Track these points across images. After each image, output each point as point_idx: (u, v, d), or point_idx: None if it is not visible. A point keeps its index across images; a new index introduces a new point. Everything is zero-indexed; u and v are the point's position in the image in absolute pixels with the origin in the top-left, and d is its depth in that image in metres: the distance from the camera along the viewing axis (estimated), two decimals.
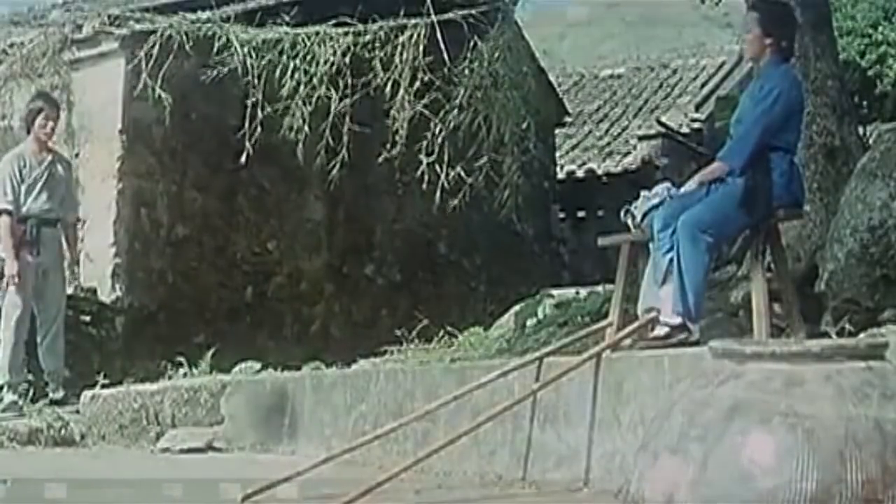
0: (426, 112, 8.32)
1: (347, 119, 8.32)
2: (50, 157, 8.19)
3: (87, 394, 7.87)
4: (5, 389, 7.85)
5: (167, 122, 9.91)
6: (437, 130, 8.24)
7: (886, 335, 5.07)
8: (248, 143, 8.48)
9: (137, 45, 9.53)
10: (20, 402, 7.77)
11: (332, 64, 8.33)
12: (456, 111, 8.33)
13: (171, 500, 5.17)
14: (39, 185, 8.02)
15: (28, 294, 7.94)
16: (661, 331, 5.37)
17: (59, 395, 7.98)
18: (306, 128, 8.39)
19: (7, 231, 7.91)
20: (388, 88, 8.31)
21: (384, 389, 6.48)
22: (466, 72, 8.43)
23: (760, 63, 5.53)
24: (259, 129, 8.53)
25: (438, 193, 8.46)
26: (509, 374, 5.59)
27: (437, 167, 8.27)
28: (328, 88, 8.30)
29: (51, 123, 8.18)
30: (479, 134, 8.66)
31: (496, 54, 8.54)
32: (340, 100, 8.29)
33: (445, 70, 8.37)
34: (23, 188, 7.99)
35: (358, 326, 11.38)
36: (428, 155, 8.24)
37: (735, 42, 17.62)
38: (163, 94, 9.31)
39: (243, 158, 8.62)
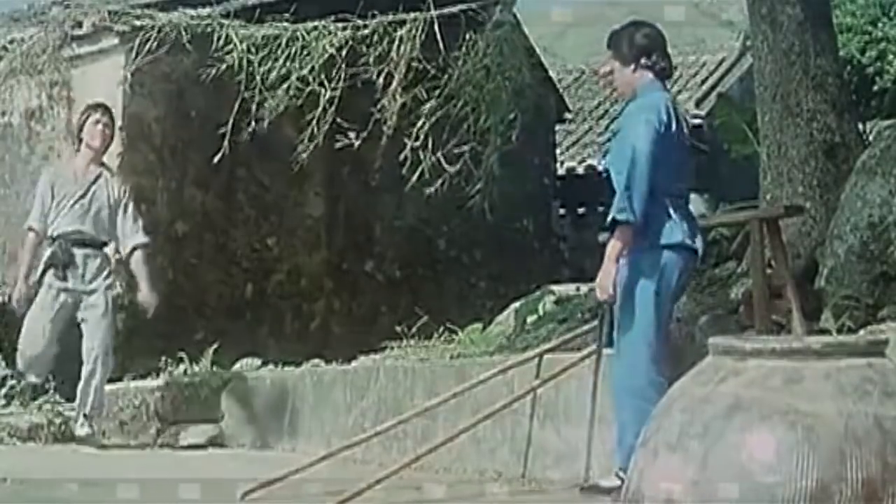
0: (418, 105, 8.30)
1: (338, 113, 8.29)
2: (97, 173, 7.27)
3: None
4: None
5: (167, 119, 9.89)
6: (429, 122, 8.22)
7: (886, 332, 5.07)
8: (242, 137, 8.44)
9: (137, 42, 9.52)
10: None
11: (330, 56, 8.31)
12: (451, 104, 8.31)
13: (171, 497, 5.17)
14: (72, 202, 7.15)
15: (46, 323, 7.04)
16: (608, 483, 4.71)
17: (83, 431, 7.08)
18: (302, 123, 8.38)
19: (29, 249, 7.22)
20: (384, 83, 8.29)
21: (384, 386, 6.48)
22: (460, 64, 8.41)
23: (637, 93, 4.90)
24: (256, 124, 8.52)
25: (438, 187, 8.43)
26: (509, 370, 5.59)
27: (437, 161, 8.25)
28: (322, 83, 8.27)
29: (99, 127, 7.27)
30: (477, 128, 8.65)
31: (492, 47, 8.52)
32: (332, 91, 8.26)
33: (440, 60, 8.36)
34: (53, 204, 7.16)
35: (358, 323, 11.37)
36: (420, 150, 8.21)
37: (735, 39, 17.61)
38: (162, 91, 9.31)
39: (225, 144, 8.46)
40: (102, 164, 7.38)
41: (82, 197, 7.16)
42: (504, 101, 8.64)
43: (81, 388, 7.11)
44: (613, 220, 4.61)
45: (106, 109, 7.47)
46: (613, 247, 4.62)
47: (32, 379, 7.30)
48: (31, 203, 7.53)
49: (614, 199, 4.64)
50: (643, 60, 4.87)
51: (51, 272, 7.07)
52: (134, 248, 7.29)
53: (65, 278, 7.07)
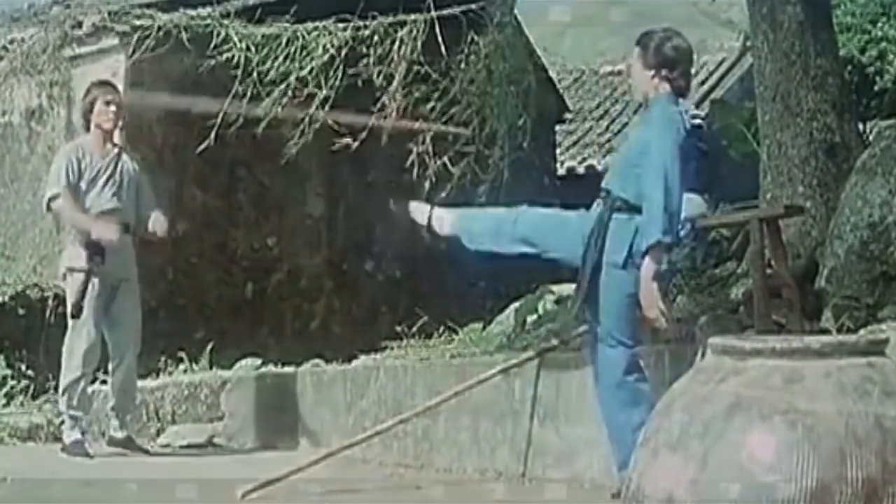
0: (420, 105, 8.31)
1: (339, 113, 8.30)
2: (115, 151, 6.90)
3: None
4: (67, 425, 6.72)
5: (167, 119, 9.89)
6: (431, 123, 8.22)
7: (886, 332, 5.07)
8: (242, 137, 8.45)
9: (137, 42, 9.53)
10: (84, 439, 6.67)
11: (331, 56, 8.32)
12: (454, 106, 8.32)
13: (171, 497, 5.17)
14: (103, 179, 6.76)
15: (93, 312, 6.59)
16: None
17: (121, 434, 6.82)
18: (303, 122, 8.39)
19: (70, 211, 6.66)
20: (384, 82, 8.30)
21: (384, 386, 6.48)
22: (462, 66, 8.42)
23: (649, 101, 4.82)
24: (256, 123, 8.53)
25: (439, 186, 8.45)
26: (509, 370, 5.60)
27: (445, 163, 8.26)
28: (321, 83, 8.28)
29: (112, 108, 6.82)
30: (481, 130, 8.66)
31: (493, 49, 8.53)
32: (332, 91, 8.27)
33: (443, 64, 8.36)
34: (83, 183, 6.71)
35: (358, 323, 11.36)
36: (424, 153, 8.21)
37: (735, 39, 17.61)
38: (162, 90, 9.32)
39: (212, 137, 8.42)
40: (116, 144, 7.02)
41: (110, 174, 6.78)
42: (508, 103, 8.65)
43: (119, 390, 6.77)
44: (658, 241, 4.38)
45: (113, 88, 7.11)
46: (652, 267, 4.41)
47: (80, 385, 6.65)
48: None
49: (653, 219, 4.43)
50: (664, 72, 4.76)
51: (93, 259, 6.55)
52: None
53: (103, 262, 6.57)
